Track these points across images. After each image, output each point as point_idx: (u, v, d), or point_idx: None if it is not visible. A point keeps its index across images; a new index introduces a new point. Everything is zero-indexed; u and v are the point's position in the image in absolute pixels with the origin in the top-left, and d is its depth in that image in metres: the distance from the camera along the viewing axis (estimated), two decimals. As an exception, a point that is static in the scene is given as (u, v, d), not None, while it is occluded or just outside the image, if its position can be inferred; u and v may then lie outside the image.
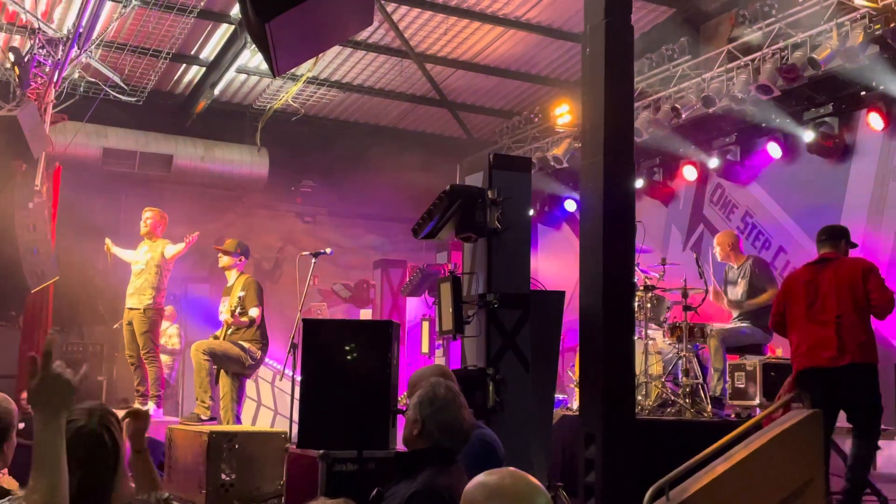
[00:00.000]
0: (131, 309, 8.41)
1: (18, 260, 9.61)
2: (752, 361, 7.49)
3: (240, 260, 8.01)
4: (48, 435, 2.13)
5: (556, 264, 12.58)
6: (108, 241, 8.84)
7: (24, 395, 10.61)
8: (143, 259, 8.44)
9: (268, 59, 3.56)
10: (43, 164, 10.13)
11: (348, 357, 4.85)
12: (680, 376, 7.60)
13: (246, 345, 7.59)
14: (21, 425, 3.45)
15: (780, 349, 8.25)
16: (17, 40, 10.83)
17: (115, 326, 9.40)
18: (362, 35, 11.39)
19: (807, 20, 9.08)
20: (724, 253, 8.29)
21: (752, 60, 9.49)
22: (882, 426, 7.12)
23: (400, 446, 3.70)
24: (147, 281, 8.37)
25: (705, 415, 7.28)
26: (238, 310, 7.50)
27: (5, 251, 9.57)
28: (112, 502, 2.59)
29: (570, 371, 8.85)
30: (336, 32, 4.26)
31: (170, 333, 11.44)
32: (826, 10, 8.85)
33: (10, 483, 3.51)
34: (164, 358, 10.26)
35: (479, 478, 2.02)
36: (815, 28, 8.86)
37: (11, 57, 9.62)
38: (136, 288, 8.40)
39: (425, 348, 12.47)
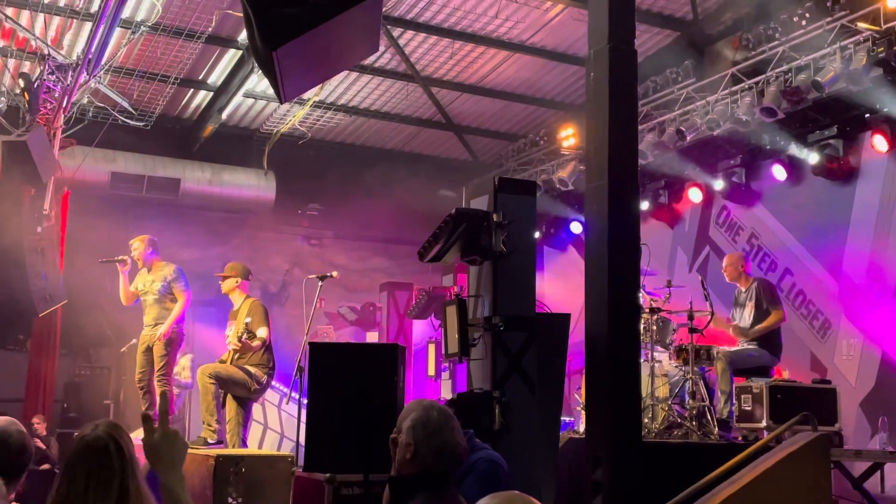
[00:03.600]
0: (151, 334, 8.28)
1: (27, 284, 9.65)
2: (758, 384, 7.48)
3: (237, 283, 7.97)
4: (173, 485, 2.43)
5: (561, 287, 12.57)
6: (126, 259, 8.61)
7: (35, 419, 10.67)
8: (154, 289, 8.35)
9: (275, 86, 3.59)
10: (52, 188, 10.21)
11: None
12: (686, 399, 7.58)
13: (252, 369, 7.59)
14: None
15: (786, 371, 8.23)
16: (27, 66, 10.93)
17: (122, 350, 9.40)
18: (368, 60, 11.48)
19: (810, 43, 9.13)
20: (734, 275, 8.31)
21: (756, 83, 9.53)
22: (890, 448, 7.11)
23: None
24: (167, 309, 8.24)
25: (712, 437, 7.25)
26: (245, 335, 7.48)
27: (14, 275, 9.62)
28: None
29: (577, 393, 8.83)
30: (343, 59, 4.30)
31: (183, 365, 11.33)
32: (829, 33, 8.90)
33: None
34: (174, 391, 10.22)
35: (484, 500, 2.03)
36: (818, 51, 8.91)
37: (21, 83, 9.72)
38: (155, 317, 8.28)
39: (431, 371, 12.46)
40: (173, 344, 8.24)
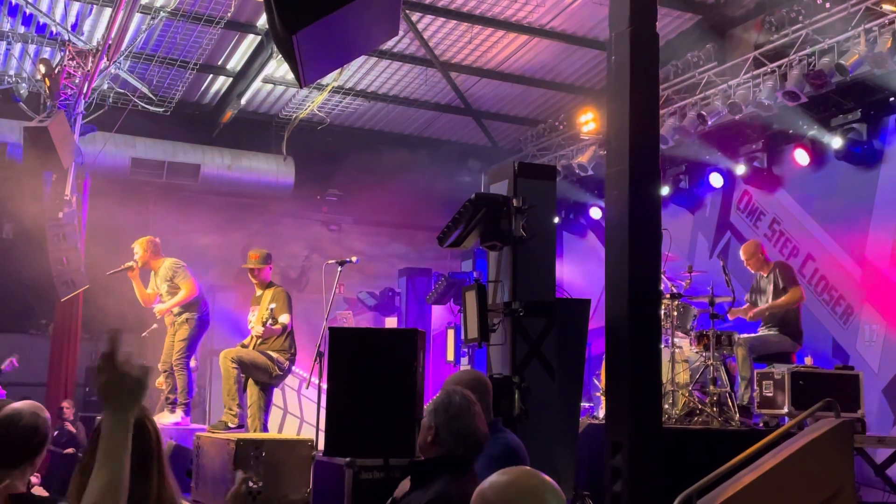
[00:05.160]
0: (178, 321, 8.37)
1: (48, 269, 9.73)
2: (780, 370, 7.42)
3: (269, 268, 8.07)
4: (116, 430, 2.15)
5: (581, 272, 12.55)
6: (133, 266, 8.64)
7: (65, 403, 10.80)
8: (164, 289, 8.43)
9: (295, 70, 3.58)
10: (73, 174, 10.27)
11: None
12: (707, 385, 7.55)
13: (274, 355, 7.63)
14: (55, 433, 3.50)
15: (808, 358, 8.18)
16: (47, 52, 10.98)
17: (143, 335, 9.45)
18: (387, 44, 11.45)
19: (834, 26, 9.01)
20: (758, 264, 8.25)
21: (779, 67, 9.43)
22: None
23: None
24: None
25: (733, 424, 7.22)
26: (269, 322, 7.53)
27: (36, 261, 9.70)
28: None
29: (596, 379, 8.82)
30: (362, 43, 4.29)
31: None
32: (853, 15, 8.79)
33: (40, 493, 3.55)
34: None
35: (492, 476, 2.02)
36: (842, 34, 8.80)
37: (42, 69, 9.76)
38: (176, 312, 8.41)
39: (451, 356, 12.47)
40: (195, 330, 8.30)
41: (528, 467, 2.09)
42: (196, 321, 8.34)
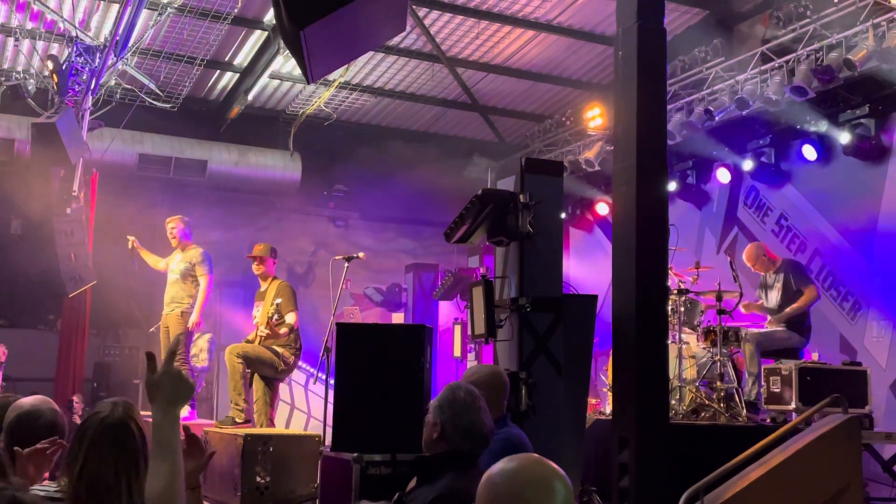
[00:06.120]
0: (168, 314, 8.48)
1: (56, 265, 9.76)
2: (787, 365, 7.41)
3: (273, 262, 8.08)
4: (168, 423, 2.38)
5: (587, 268, 12.54)
6: (132, 239, 8.80)
7: (75, 398, 10.87)
8: (178, 269, 8.47)
9: (302, 66, 3.58)
10: (80, 170, 10.29)
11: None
12: (714, 380, 7.54)
13: (280, 350, 7.63)
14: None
15: (815, 353, 8.17)
16: (55, 48, 11.00)
17: (151, 330, 9.49)
18: (394, 40, 11.44)
19: (842, 21, 8.98)
20: (765, 266, 8.22)
21: (787, 62, 9.40)
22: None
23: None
24: (184, 290, 8.40)
25: (740, 419, 7.21)
26: (276, 317, 7.52)
27: (44, 257, 9.73)
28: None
29: (603, 374, 8.82)
30: (370, 38, 4.29)
31: (200, 347, 11.40)
32: (861, 10, 8.75)
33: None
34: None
35: (500, 462, 2.03)
36: (850, 29, 8.76)
37: (50, 65, 9.77)
38: (173, 297, 8.45)
39: (457, 352, 12.48)
40: (188, 324, 8.32)
41: (536, 455, 2.10)
42: (189, 315, 8.34)
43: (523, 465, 2.01)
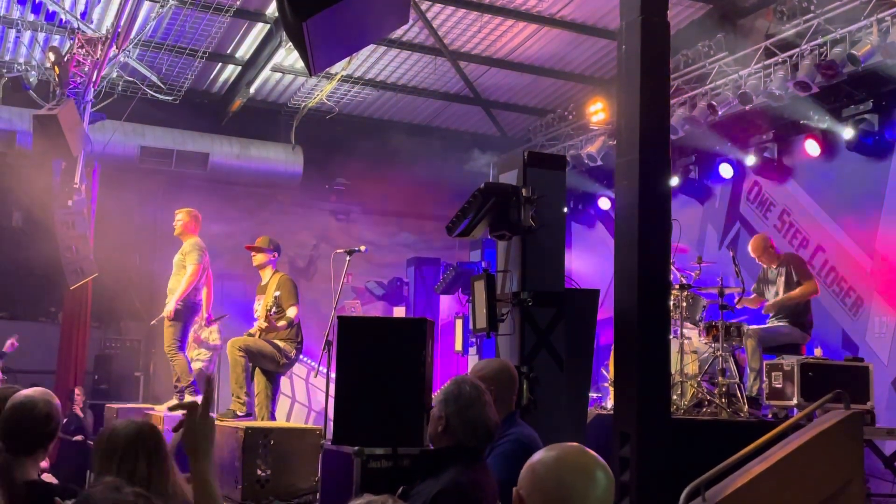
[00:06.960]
0: (168, 304, 8.45)
1: (58, 258, 9.77)
2: (789, 361, 7.40)
3: (274, 256, 8.03)
4: (206, 473, 2.36)
5: (590, 262, 12.53)
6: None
7: (77, 390, 10.90)
8: (176, 260, 8.46)
9: (304, 57, 3.57)
10: (82, 162, 10.29)
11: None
12: (716, 376, 7.53)
13: (281, 343, 7.62)
14: (63, 420, 3.51)
15: (818, 349, 8.15)
16: (56, 40, 10.99)
17: (152, 323, 9.49)
18: (396, 33, 11.42)
19: (846, 15, 8.95)
20: (770, 259, 8.21)
21: (790, 57, 9.37)
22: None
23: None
24: (179, 281, 8.37)
25: (742, 415, 7.20)
26: (274, 310, 7.50)
27: (45, 249, 9.73)
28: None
29: (605, 369, 8.81)
30: (372, 31, 4.28)
31: (210, 329, 11.44)
32: (866, 5, 8.72)
33: (49, 480, 3.56)
34: (202, 353, 10.32)
35: (542, 451, 2.03)
36: (854, 24, 8.74)
37: (52, 57, 9.76)
38: (170, 288, 8.42)
39: (459, 346, 12.48)
40: (181, 315, 8.24)
41: (578, 444, 2.09)
42: (183, 305, 8.27)
43: (567, 453, 2.03)
